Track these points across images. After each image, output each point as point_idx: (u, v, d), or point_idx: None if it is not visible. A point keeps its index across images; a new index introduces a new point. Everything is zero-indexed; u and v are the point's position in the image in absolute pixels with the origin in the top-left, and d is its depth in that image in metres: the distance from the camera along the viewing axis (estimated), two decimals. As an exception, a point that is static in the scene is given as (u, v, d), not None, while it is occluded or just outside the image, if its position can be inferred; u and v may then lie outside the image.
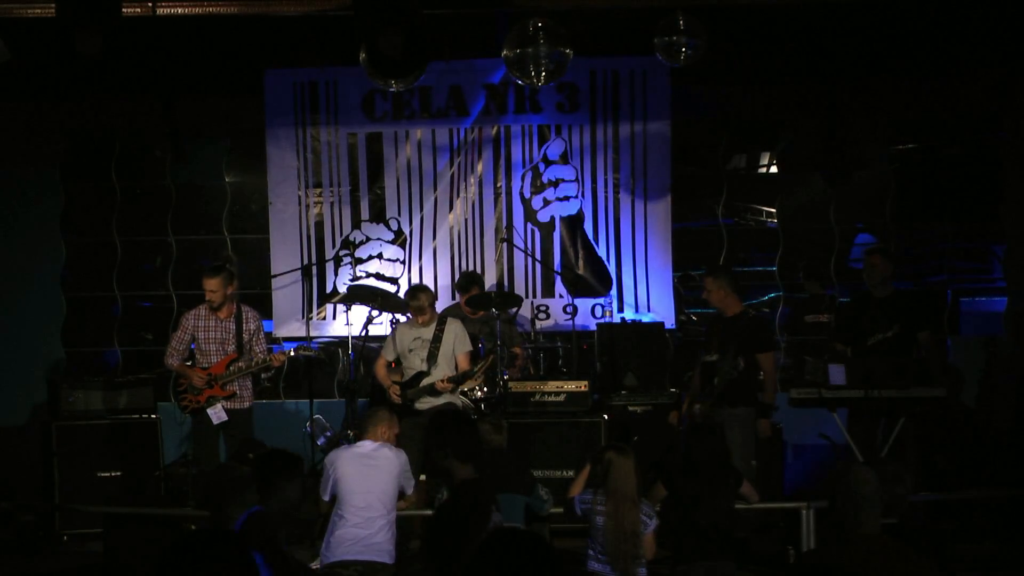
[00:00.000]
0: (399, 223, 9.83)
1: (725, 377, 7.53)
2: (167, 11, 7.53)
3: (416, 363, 8.05)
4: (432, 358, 8.01)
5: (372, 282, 9.70)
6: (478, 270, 9.71)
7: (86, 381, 8.63)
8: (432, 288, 9.40)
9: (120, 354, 9.92)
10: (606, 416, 8.19)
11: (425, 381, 7.99)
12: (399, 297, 9.45)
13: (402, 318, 8.88)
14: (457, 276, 9.64)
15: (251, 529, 4.91)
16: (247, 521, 4.97)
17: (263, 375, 8.49)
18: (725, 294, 7.85)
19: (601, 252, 9.78)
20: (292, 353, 8.20)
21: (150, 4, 7.40)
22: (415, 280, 9.64)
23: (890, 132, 10.01)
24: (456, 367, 8.03)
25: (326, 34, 8.59)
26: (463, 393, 8.13)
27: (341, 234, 9.82)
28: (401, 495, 6.37)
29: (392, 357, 8.23)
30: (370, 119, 9.76)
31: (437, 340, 8.03)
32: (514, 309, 9.27)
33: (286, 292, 9.73)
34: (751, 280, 9.98)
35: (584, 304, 9.64)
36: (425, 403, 7.98)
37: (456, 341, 8.06)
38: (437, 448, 4.94)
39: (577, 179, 9.78)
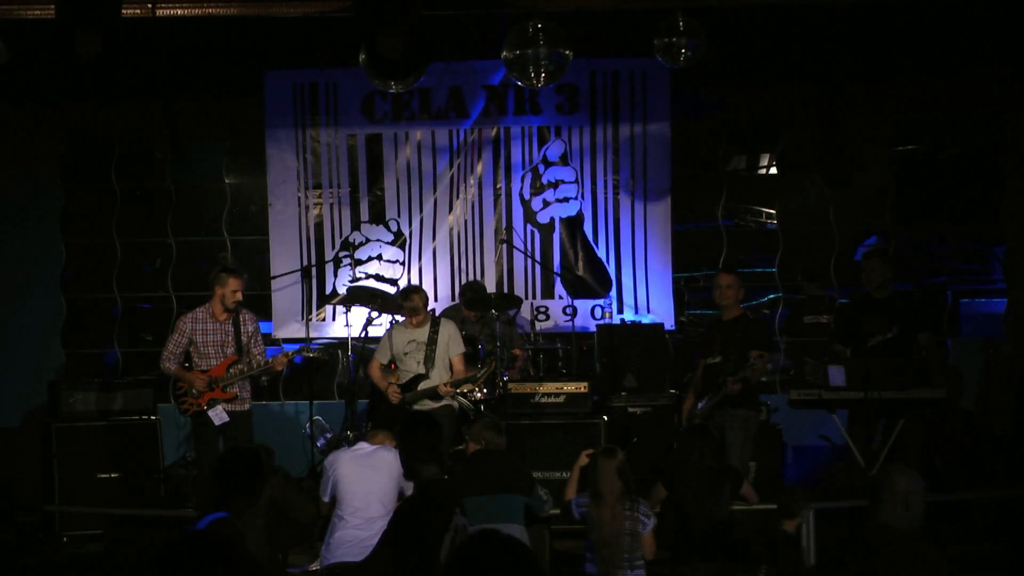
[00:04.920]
0: (399, 224, 9.83)
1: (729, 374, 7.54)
2: (167, 12, 7.52)
3: (412, 366, 8.05)
4: (429, 361, 8.00)
5: (372, 283, 9.71)
6: (477, 271, 9.72)
7: (86, 382, 8.62)
8: (431, 289, 9.45)
9: (120, 355, 9.93)
10: (605, 417, 8.19)
11: (423, 384, 7.98)
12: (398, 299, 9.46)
13: (400, 319, 8.87)
14: (457, 277, 9.66)
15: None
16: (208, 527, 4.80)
17: (263, 377, 8.49)
18: (739, 292, 7.85)
19: (601, 253, 9.78)
20: (292, 355, 8.17)
21: (150, 5, 7.40)
22: (415, 281, 9.64)
23: (890, 133, 10.01)
24: (451, 369, 8.02)
25: (326, 35, 8.58)
26: (462, 394, 8.12)
27: (341, 235, 9.82)
28: (401, 496, 6.37)
29: (386, 359, 8.21)
30: (370, 120, 9.76)
31: (432, 343, 8.03)
32: (514, 310, 9.28)
33: (286, 293, 9.73)
34: (751, 282, 9.92)
35: (584, 305, 9.64)
36: (424, 406, 7.97)
37: (450, 342, 8.05)
38: (402, 451, 4.94)
39: (577, 180, 9.78)
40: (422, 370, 8.00)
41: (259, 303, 9.28)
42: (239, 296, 7.87)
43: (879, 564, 3.96)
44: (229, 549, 2.98)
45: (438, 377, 7.96)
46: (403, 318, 8.69)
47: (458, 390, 7.97)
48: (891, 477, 4.39)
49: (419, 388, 7.97)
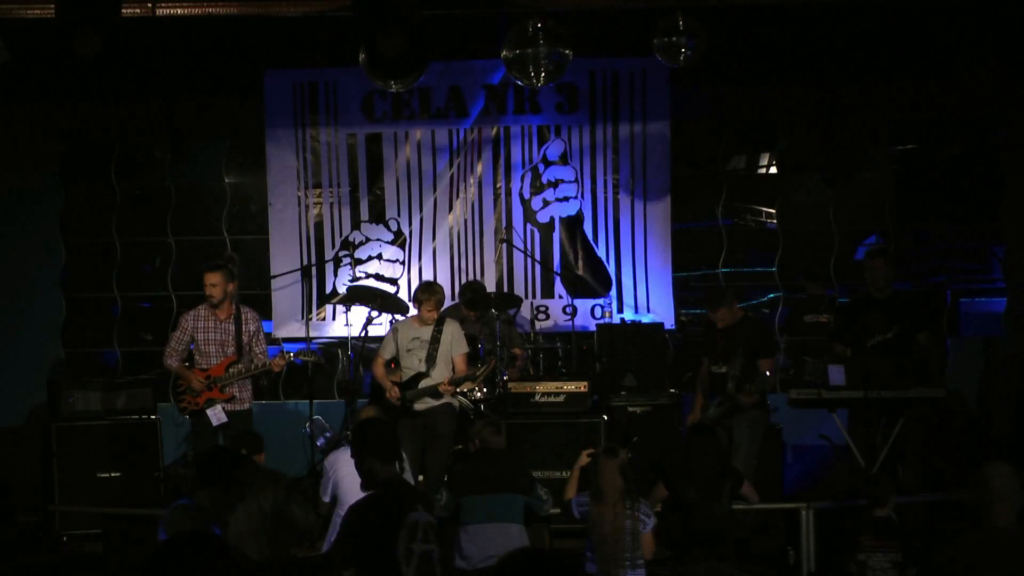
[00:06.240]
0: (399, 224, 9.83)
1: (738, 381, 7.54)
2: (166, 12, 7.52)
3: (414, 363, 8.04)
4: (431, 359, 8.00)
5: (372, 283, 9.70)
6: (477, 271, 9.72)
7: (86, 382, 8.63)
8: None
9: (120, 355, 9.92)
10: (605, 417, 8.19)
11: (424, 382, 7.97)
12: (399, 298, 9.45)
13: (401, 319, 8.87)
14: (457, 276, 9.66)
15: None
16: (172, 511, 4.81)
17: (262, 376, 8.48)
18: (735, 313, 7.88)
19: (601, 253, 9.78)
20: (291, 356, 8.17)
21: (149, 5, 7.40)
22: (415, 281, 9.63)
23: (890, 133, 10.00)
24: (453, 368, 8.02)
25: (326, 35, 8.58)
26: (462, 394, 8.13)
27: (340, 235, 9.82)
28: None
29: (390, 355, 8.21)
30: (369, 120, 9.76)
31: (436, 341, 8.02)
32: (513, 310, 9.28)
33: (286, 293, 9.73)
34: (750, 281, 9.98)
35: (584, 305, 9.64)
36: (424, 404, 7.97)
37: (453, 342, 8.05)
38: (357, 453, 4.84)
39: (577, 180, 9.78)
40: (423, 368, 8.00)
41: (259, 303, 9.27)
42: (216, 291, 7.88)
43: (1013, 567, 3.91)
44: (218, 548, 2.97)
45: (439, 375, 7.94)
46: (404, 317, 8.71)
47: (458, 388, 7.97)
48: (991, 480, 4.28)
49: (420, 386, 7.97)
